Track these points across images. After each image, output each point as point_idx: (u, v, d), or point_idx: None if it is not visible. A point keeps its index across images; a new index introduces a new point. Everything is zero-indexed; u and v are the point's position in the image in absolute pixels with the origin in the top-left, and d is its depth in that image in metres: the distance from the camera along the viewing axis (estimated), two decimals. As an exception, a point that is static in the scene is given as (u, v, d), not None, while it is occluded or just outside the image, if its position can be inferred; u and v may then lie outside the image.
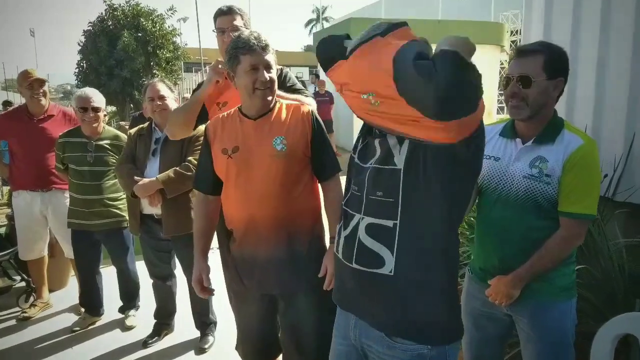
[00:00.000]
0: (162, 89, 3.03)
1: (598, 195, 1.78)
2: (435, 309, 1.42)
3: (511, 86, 1.77)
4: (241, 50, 1.91)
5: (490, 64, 15.83)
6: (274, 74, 1.98)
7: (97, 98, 3.34)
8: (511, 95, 1.78)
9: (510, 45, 21.21)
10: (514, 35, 21.93)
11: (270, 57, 1.95)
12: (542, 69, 1.73)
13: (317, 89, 12.15)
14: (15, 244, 3.86)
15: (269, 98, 1.98)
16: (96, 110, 3.31)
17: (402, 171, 1.37)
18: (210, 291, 2.11)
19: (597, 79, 2.72)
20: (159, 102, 2.99)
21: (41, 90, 3.61)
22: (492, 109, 16.55)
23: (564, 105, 2.85)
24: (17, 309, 3.82)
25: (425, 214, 1.38)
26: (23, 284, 3.99)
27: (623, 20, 2.61)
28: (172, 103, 3.06)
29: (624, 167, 2.62)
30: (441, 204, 1.37)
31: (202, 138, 2.88)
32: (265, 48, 1.93)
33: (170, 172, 2.86)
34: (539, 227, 1.79)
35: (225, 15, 2.50)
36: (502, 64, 19.59)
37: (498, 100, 19.51)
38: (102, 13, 23.29)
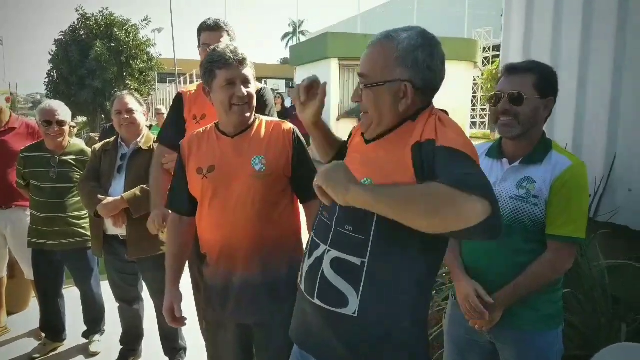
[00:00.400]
0: (131, 102, 2.89)
1: (586, 217, 1.73)
2: (403, 354, 1.32)
3: (502, 103, 1.72)
4: (217, 64, 1.81)
5: (463, 79, 16.13)
6: (252, 89, 1.88)
7: (62, 111, 3.17)
8: (502, 112, 1.72)
9: (483, 62, 21.68)
10: (487, 51, 22.44)
11: (248, 72, 1.85)
12: (533, 88, 1.70)
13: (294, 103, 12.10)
14: None
15: (247, 114, 1.87)
16: (61, 124, 3.14)
17: None
18: (182, 321, 1.96)
19: (578, 96, 2.71)
20: (126, 116, 2.84)
21: None
22: (466, 124, 16.80)
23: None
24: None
25: (397, 257, 1.28)
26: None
27: (604, 36, 2.61)
28: (141, 117, 2.92)
29: (604, 187, 2.59)
30: (417, 249, 1.27)
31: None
32: (242, 62, 1.83)
33: (136, 190, 2.71)
34: (526, 250, 1.73)
35: (212, 31, 2.40)
36: (474, 79, 19.94)
37: (471, 115, 19.82)
38: (74, 22, 22.93)
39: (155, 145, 2.67)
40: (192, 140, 1.96)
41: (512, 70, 1.76)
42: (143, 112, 2.98)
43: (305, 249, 1.46)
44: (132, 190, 2.72)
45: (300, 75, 17.64)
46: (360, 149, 1.42)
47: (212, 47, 1.91)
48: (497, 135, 1.99)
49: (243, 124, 1.89)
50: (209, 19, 2.50)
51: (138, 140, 2.89)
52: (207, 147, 1.91)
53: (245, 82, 1.84)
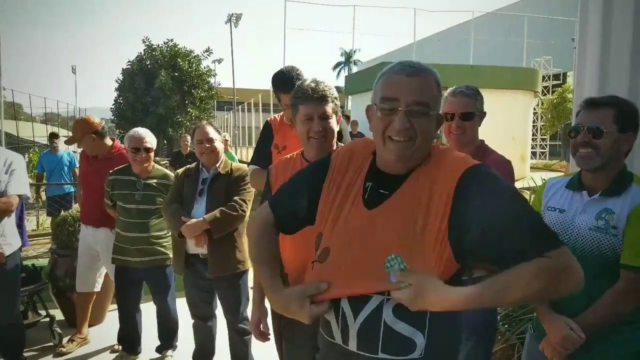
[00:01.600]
0: (211, 131, 3.08)
1: None
2: None
3: (582, 135, 1.76)
4: (299, 100, 1.95)
5: (523, 109, 15.79)
6: (332, 124, 1.98)
7: (150, 139, 3.41)
8: (582, 144, 1.76)
9: (542, 91, 21.18)
10: (546, 80, 21.91)
11: (329, 107, 1.96)
12: (613, 122, 1.73)
13: (350, 130, 12.27)
14: (51, 279, 3.99)
15: (326, 146, 1.99)
16: (148, 150, 3.38)
17: None
18: (266, 335, 2.08)
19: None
20: (207, 145, 3.03)
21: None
22: (526, 154, 16.36)
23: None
24: (50, 343, 3.82)
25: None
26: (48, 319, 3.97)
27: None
28: (219, 145, 3.12)
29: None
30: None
31: (247, 178, 2.94)
32: (322, 98, 1.94)
33: (216, 212, 2.88)
34: (605, 283, 1.71)
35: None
36: (534, 109, 19.48)
37: (531, 145, 19.18)
38: (141, 53, 24.33)
39: (250, 168, 2.78)
40: (279, 166, 2.09)
41: (592, 104, 1.80)
42: (221, 140, 3.18)
43: (340, 311, 1.36)
44: (212, 212, 2.88)
45: (354, 103, 17.84)
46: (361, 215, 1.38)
47: (300, 81, 2.06)
48: (572, 166, 2.00)
49: (323, 154, 2.00)
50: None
51: (217, 165, 3.07)
52: (292, 173, 2.03)
53: (324, 117, 1.95)
